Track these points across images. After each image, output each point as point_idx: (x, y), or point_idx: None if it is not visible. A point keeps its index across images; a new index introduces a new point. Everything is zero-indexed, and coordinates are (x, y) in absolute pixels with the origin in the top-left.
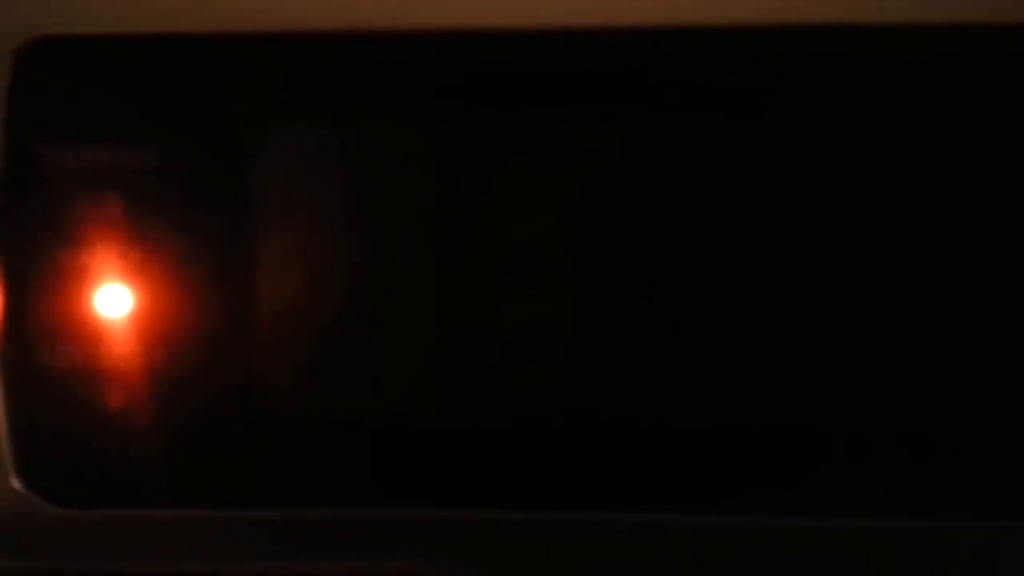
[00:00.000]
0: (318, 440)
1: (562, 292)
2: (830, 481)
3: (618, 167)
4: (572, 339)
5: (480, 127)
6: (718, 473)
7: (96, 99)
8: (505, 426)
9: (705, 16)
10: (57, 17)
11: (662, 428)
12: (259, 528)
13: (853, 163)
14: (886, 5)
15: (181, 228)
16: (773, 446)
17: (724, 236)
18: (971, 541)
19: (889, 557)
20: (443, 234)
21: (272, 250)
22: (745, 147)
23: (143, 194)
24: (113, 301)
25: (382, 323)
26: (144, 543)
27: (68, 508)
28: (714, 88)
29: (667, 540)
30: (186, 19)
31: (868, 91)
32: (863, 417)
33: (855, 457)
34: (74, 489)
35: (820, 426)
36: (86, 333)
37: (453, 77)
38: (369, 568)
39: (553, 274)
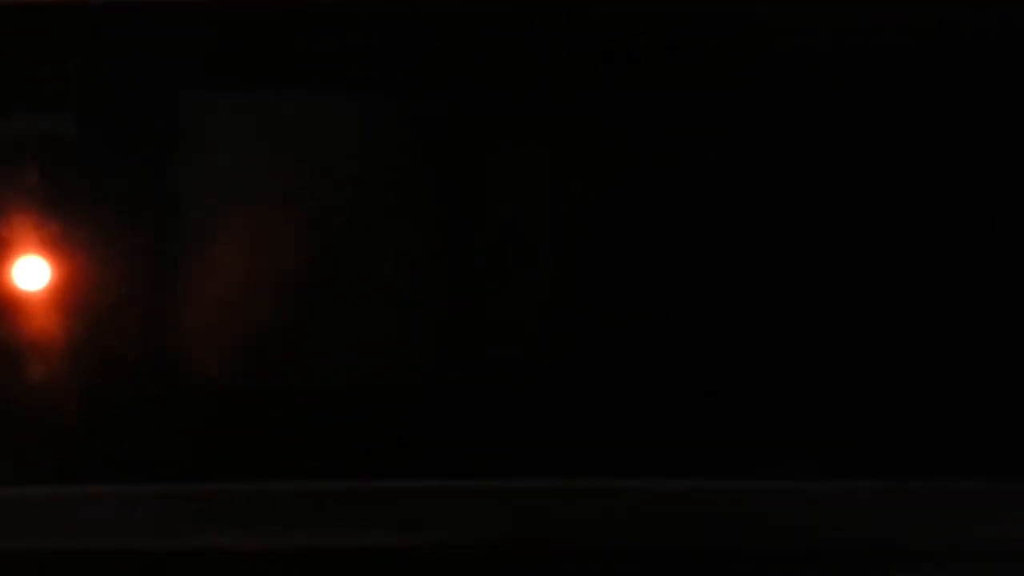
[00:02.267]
0: (239, 412)
1: (504, 255)
2: (801, 444)
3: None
4: (526, 306)
5: (397, 90)
6: (692, 437)
7: (14, 66)
8: (444, 395)
9: None
10: None
11: (631, 393)
12: (183, 502)
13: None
14: None
15: (101, 197)
16: (746, 409)
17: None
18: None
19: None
20: (372, 200)
21: (196, 219)
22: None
23: (61, 164)
24: (31, 273)
25: (308, 294)
26: (69, 520)
27: None
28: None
29: (643, 504)
30: None
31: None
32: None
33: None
34: None
35: (783, 387)
36: (4, 306)
37: (365, 44)
38: (307, 541)
39: (495, 238)
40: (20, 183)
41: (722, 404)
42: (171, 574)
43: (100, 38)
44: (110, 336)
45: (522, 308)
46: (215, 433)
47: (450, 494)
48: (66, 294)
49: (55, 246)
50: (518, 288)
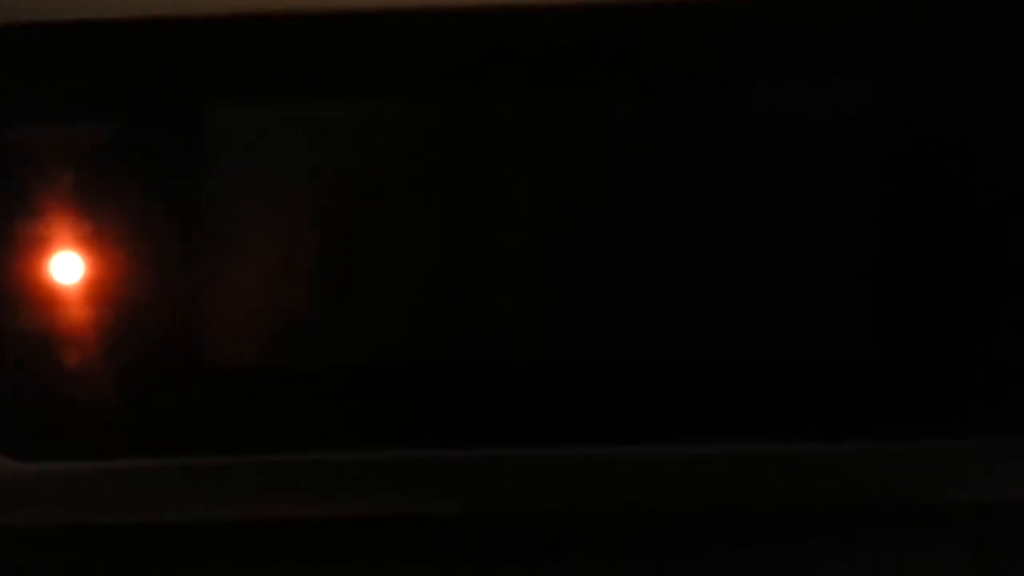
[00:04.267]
0: (267, 388)
1: (515, 234)
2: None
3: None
4: (530, 278)
5: (423, 96)
6: (698, 403)
7: (55, 81)
8: (456, 368)
9: None
10: (19, 5)
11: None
12: (218, 475)
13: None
14: None
15: (132, 198)
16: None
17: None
18: (920, 461)
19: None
20: (391, 193)
21: (220, 217)
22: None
23: (98, 169)
24: (68, 268)
25: (333, 274)
26: (106, 496)
27: (28, 462)
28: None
29: (652, 473)
30: (139, 6)
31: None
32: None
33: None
34: (34, 444)
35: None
36: (45, 297)
37: (390, 57)
38: (333, 511)
39: (506, 219)
40: (63, 188)
41: (701, 372)
42: (222, 543)
43: (135, 54)
44: (144, 322)
45: (549, 289)
46: (248, 408)
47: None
48: (105, 285)
49: (97, 242)
50: (541, 270)
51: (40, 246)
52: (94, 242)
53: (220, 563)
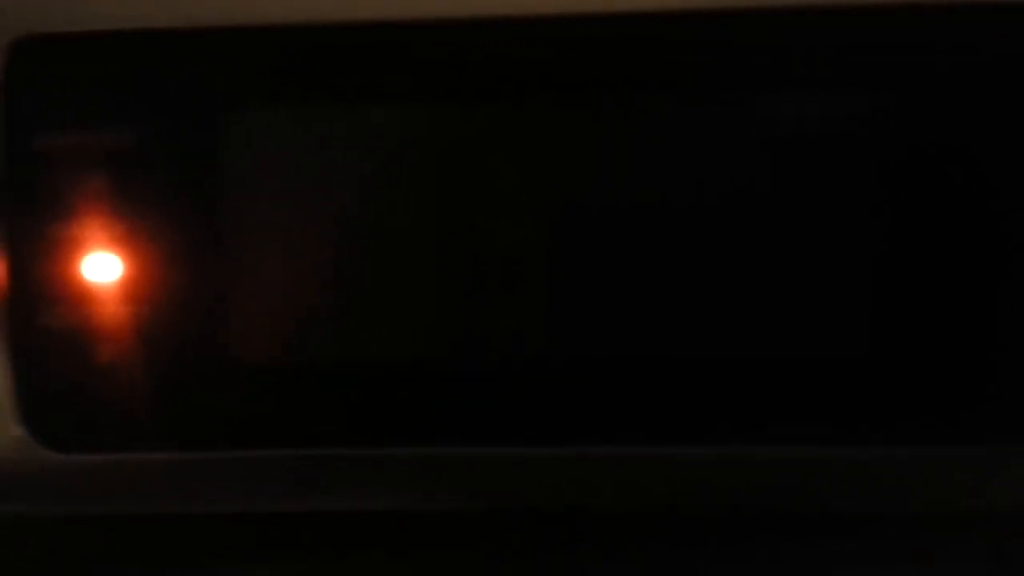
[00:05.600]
0: (298, 384)
1: (524, 242)
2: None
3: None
4: (543, 282)
5: (439, 107)
6: (702, 405)
7: (84, 89)
8: (472, 368)
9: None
10: (46, 16)
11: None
12: (254, 468)
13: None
14: None
15: (162, 201)
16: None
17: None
18: (933, 468)
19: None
20: (407, 194)
21: (242, 217)
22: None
23: (128, 173)
24: (103, 267)
25: (353, 276)
26: (143, 486)
27: (69, 453)
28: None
29: (661, 474)
30: (162, 16)
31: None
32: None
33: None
34: (74, 435)
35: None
36: (81, 295)
37: (405, 65)
38: (360, 504)
39: (519, 228)
40: (92, 192)
41: (712, 374)
42: (251, 534)
43: (158, 62)
44: (177, 319)
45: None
46: (274, 403)
47: (492, 461)
48: (136, 285)
49: (128, 244)
50: (549, 272)
51: (72, 248)
52: (125, 243)
53: (248, 553)
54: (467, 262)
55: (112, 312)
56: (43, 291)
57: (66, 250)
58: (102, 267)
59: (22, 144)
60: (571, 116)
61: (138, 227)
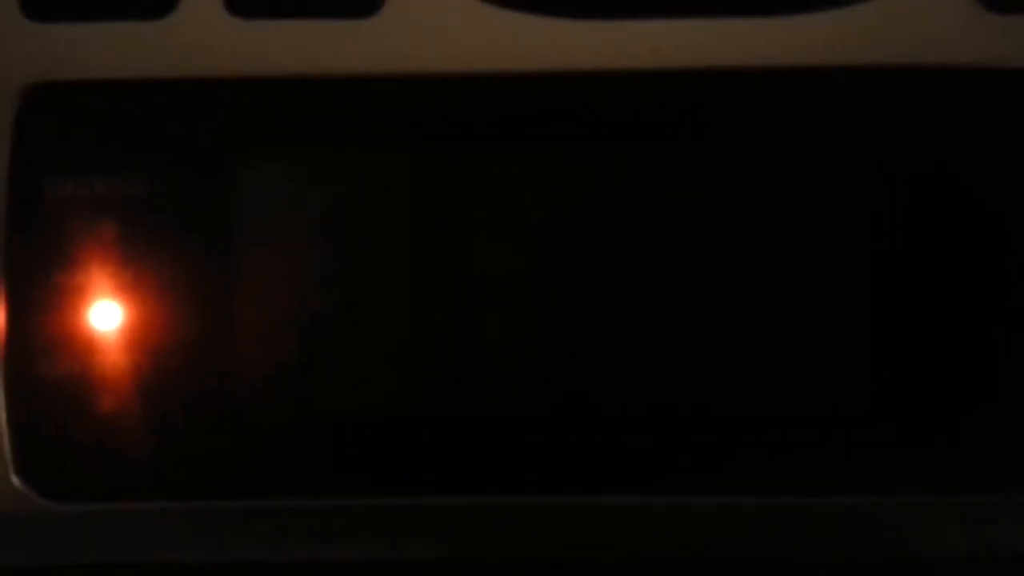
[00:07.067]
0: (298, 435)
1: (527, 289)
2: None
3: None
4: (543, 331)
5: (439, 157)
6: (702, 455)
7: (92, 137)
8: (478, 416)
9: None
10: (58, 63)
11: (644, 412)
12: (250, 518)
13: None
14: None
15: (166, 250)
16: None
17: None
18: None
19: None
20: (412, 245)
21: (248, 268)
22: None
23: (133, 222)
24: (105, 316)
25: (355, 328)
26: (139, 536)
27: (65, 503)
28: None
29: (659, 523)
30: (172, 66)
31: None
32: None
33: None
34: (71, 485)
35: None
36: (81, 344)
37: (410, 118)
38: (359, 555)
39: (520, 275)
40: (99, 240)
41: (701, 425)
42: None
43: (169, 111)
44: (178, 369)
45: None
46: (275, 453)
47: (493, 510)
48: (140, 335)
49: (133, 293)
50: (545, 323)
51: (78, 296)
52: (131, 293)
53: None
54: (466, 314)
55: (110, 362)
56: (41, 340)
57: (67, 299)
58: (101, 317)
59: (28, 190)
60: (564, 169)
61: (140, 277)
